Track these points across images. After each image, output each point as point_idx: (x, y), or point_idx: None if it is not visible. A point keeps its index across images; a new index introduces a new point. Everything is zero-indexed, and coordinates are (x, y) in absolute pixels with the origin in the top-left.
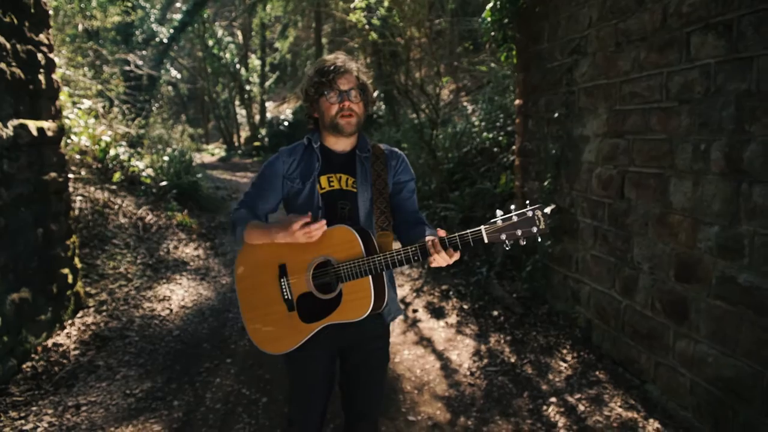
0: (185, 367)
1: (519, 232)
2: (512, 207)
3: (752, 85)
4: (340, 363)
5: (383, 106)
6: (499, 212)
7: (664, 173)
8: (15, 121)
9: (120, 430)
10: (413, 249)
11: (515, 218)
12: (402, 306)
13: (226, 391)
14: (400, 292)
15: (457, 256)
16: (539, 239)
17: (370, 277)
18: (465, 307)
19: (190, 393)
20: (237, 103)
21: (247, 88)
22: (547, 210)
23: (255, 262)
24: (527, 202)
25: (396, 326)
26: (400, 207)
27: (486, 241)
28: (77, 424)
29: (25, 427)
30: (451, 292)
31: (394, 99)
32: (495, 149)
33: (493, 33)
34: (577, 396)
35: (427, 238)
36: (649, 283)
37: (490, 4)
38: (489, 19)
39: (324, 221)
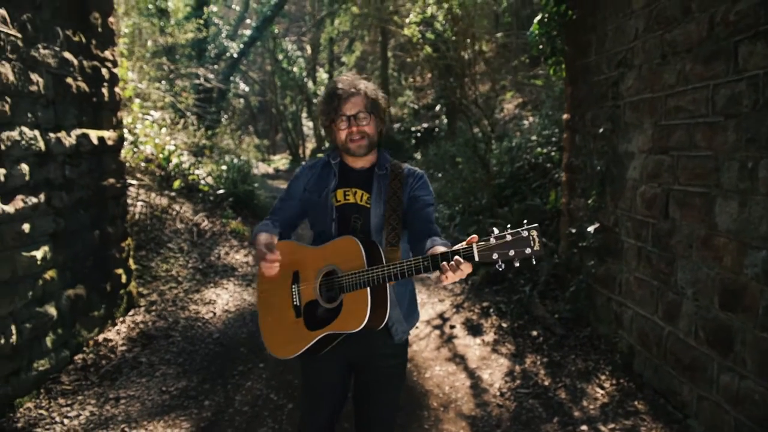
0: (220, 368)
1: (512, 253)
2: (508, 226)
3: None
4: (354, 379)
5: (445, 120)
6: (495, 230)
7: (710, 192)
8: (78, 131)
9: (152, 425)
10: (409, 263)
11: (509, 237)
12: (440, 321)
13: (255, 395)
14: (440, 307)
15: (466, 268)
16: (534, 261)
17: (368, 289)
18: (504, 325)
19: (221, 394)
20: (304, 115)
21: (315, 101)
22: (535, 233)
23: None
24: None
25: (431, 341)
26: (414, 218)
27: (477, 259)
28: (114, 416)
29: (69, 414)
30: (491, 310)
31: (455, 113)
32: (548, 165)
33: (541, 46)
34: (611, 426)
35: (441, 249)
36: (693, 310)
37: (538, 17)
38: (537, 32)
39: (276, 256)
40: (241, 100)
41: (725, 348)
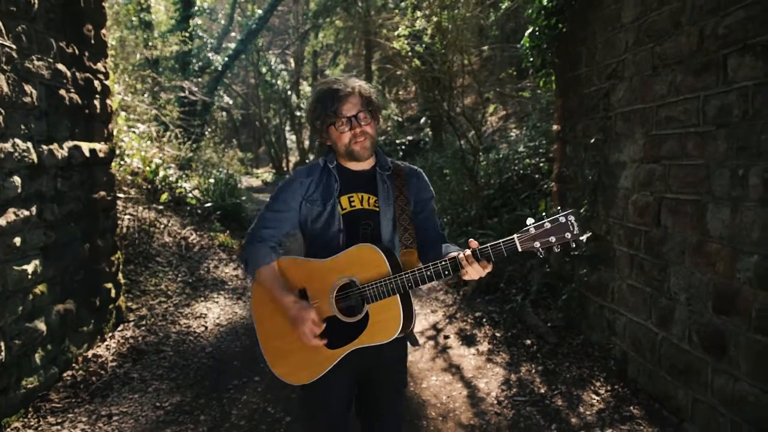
0: (214, 383)
1: (552, 239)
2: (543, 214)
3: None
4: (357, 390)
5: (430, 133)
6: (530, 220)
7: (701, 200)
8: (70, 143)
9: None
10: (443, 263)
11: (548, 225)
12: (433, 332)
13: (252, 409)
14: (433, 318)
15: (490, 267)
16: (573, 246)
17: (398, 295)
18: (497, 335)
19: (216, 409)
20: (287, 128)
21: (298, 114)
22: (572, 218)
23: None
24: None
25: (425, 352)
26: (423, 225)
27: (520, 249)
28: None
29: None
30: (484, 320)
31: (440, 125)
32: (536, 176)
33: (531, 59)
34: (609, 431)
35: (453, 254)
36: (686, 315)
37: (529, 30)
38: (527, 44)
39: (323, 342)
40: (224, 114)
41: (719, 351)
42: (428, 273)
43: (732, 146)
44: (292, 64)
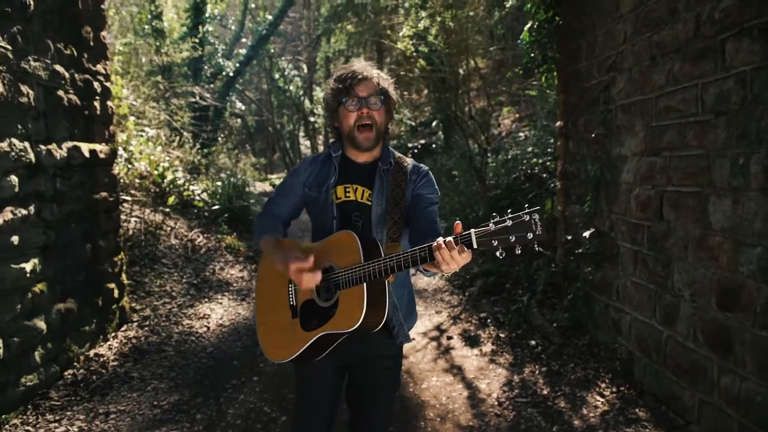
0: (213, 382)
1: (512, 239)
2: (509, 211)
3: None
4: (347, 382)
5: (441, 136)
6: (495, 215)
7: (703, 191)
8: (69, 143)
9: None
10: (410, 252)
11: (509, 222)
12: (437, 333)
13: (248, 408)
14: (437, 319)
15: (466, 256)
16: (536, 247)
17: (364, 285)
18: (502, 335)
19: (213, 408)
20: (301, 134)
21: (311, 119)
22: (536, 217)
23: (270, 268)
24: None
25: (427, 353)
26: (416, 217)
27: (475, 246)
28: (104, 431)
29: (57, 430)
30: (488, 320)
31: (452, 128)
32: (544, 175)
33: (532, 54)
34: None
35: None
36: (691, 312)
37: (528, 25)
38: (527, 39)
39: (318, 275)
40: (238, 120)
41: (725, 349)
42: (397, 262)
43: (732, 134)
44: (305, 70)
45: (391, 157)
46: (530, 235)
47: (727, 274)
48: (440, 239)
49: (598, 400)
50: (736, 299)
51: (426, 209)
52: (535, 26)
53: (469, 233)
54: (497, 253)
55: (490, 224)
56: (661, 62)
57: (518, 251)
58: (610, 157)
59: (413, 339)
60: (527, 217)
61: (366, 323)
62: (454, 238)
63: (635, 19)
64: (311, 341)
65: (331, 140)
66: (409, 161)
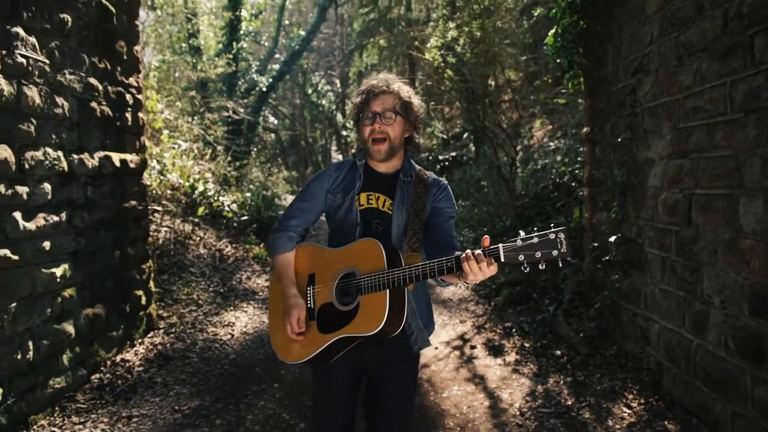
0: (234, 388)
1: (538, 254)
2: (535, 229)
3: None
4: (365, 386)
5: (473, 147)
6: (522, 233)
7: (732, 193)
8: (101, 153)
9: None
10: (435, 262)
11: (536, 239)
12: (460, 342)
13: (267, 414)
14: (461, 328)
15: (493, 269)
16: (560, 263)
17: (387, 291)
18: (526, 345)
19: (233, 413)
20: (333, 148)
21: (344, 133)
22: (562, 236)
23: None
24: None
25: (449, 362)
26: (434, 230)
27: (503, 260)
28: None
29: None
30: (513, 330)
31: (482, 139)
32: (573, 184)
33: (558, 60)
34: None
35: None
36: (721, 319)
37: (553, 30)
38: (552, 44)
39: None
40: (272, 135)
41: (758, 358)
42: (419, 272)
43: (762, 132)
44: (338, 85)
45: (412, 170)
46: (555, 253)
47: (760, 279)
48: (469, 251)
49: (625, 412)
50: None
51: (445, 223)
52: (560, 31)
53: (497, 247)
54: (522, 267)
55: (518, 240)
56: (687, 62)
57: (542, 267)
58: (636, 162)
59: (436, 348)
60: (553, 235)
61: (386, 328)
62: (483, 251)
63: (661, 19)
64: (329, 343)
65: (357, 149)
66: (430, 174)
